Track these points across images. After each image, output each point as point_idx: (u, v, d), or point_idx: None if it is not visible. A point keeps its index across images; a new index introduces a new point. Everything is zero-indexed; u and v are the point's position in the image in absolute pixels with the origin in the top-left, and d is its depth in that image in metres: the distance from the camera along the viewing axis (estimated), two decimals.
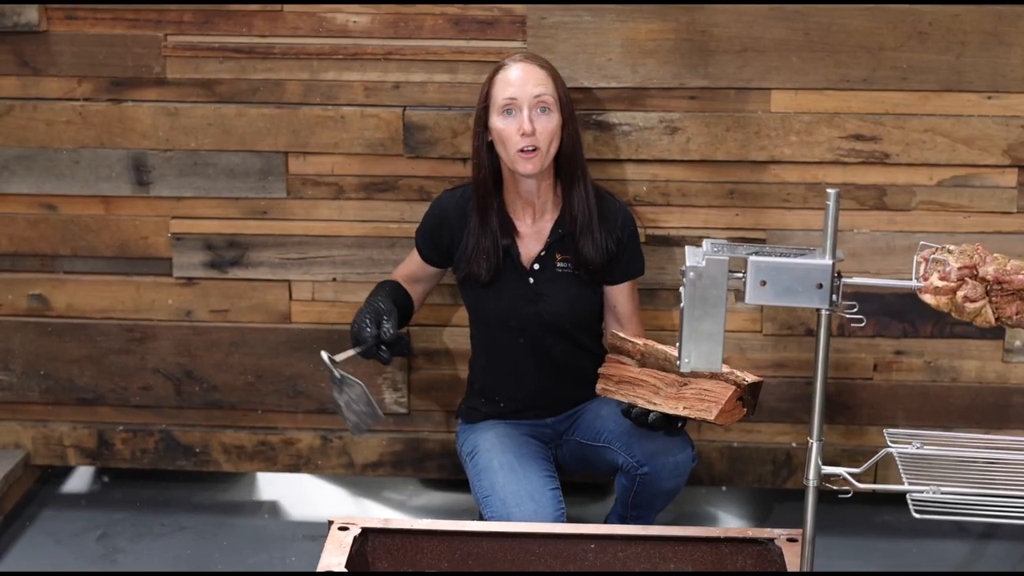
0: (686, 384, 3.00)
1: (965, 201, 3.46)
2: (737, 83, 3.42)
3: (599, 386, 3.17)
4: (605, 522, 3.38)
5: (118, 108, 3.51)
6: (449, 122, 3.47)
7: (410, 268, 3.42)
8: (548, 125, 3.16)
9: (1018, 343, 3.53)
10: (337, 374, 3.09)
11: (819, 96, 3.42)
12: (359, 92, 3.47)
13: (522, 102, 3.15)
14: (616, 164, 3.48)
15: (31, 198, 3.58)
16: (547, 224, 3.29)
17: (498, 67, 3.22)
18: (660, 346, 3.09)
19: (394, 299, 3.28)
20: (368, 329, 3.16)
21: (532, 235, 3.29)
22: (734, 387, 2.97)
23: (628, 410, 3.09)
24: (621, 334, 3.20)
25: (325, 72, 3.47)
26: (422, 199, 3.49)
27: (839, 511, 3.60)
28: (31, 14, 3.43)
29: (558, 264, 3.29)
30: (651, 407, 3.04)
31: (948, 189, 3.46)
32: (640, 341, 3.13)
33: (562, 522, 3.07)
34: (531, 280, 3.29)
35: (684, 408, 3.00)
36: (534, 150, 3.14)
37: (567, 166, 3.24)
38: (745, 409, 3.03)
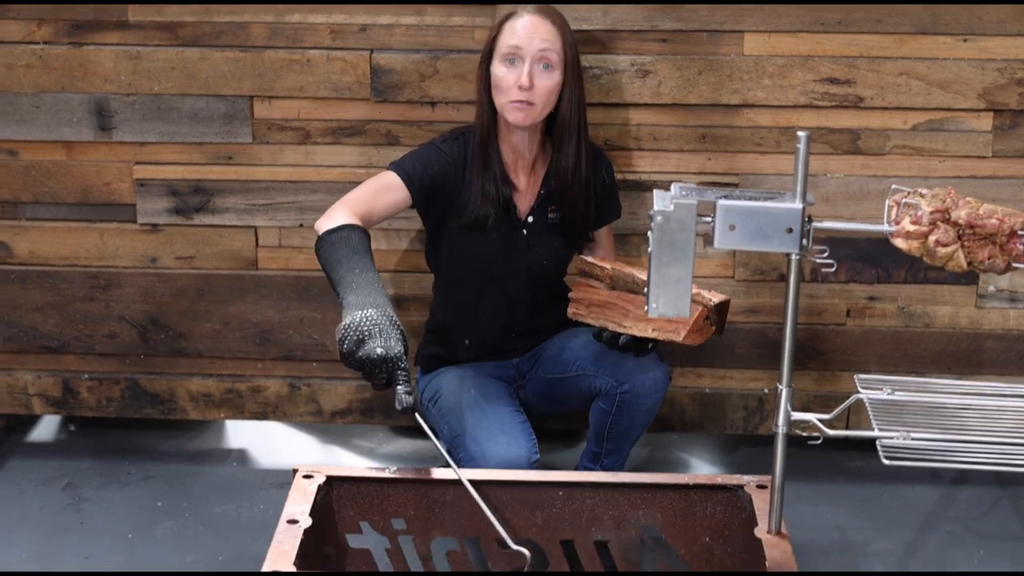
0: None
1: (940, 145, 3.41)
2: (710, 26, 3.36)
3: (570, 310, 3.16)
4: (578, 464, 3.36)
5: (79, 51, 3.43)
6: (417, 65, 3.40)
7: (380, 203, 3.10)
8: (548, 82, 3.09)
9: (992, 288, 3.50)
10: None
11: (793, 39, 3.36)
12: (325, 35, 3.40)
13: (525, 54, 3.08)
14: (587, 108, 3.40)
15: None
16: (539, 177, 3.25)
17: (509, 14, 3.12)
18: (628, 268, 3.08)
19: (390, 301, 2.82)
20: (379, 382, 2.71)
21: (527, 188, 3.24)
22: (701, 307, 2.96)
23: (599, 333, 3.09)
24: (589, 259, 3.17)
25: (290, 15, 3.39)
26: (390, 144, 3.43)
27: (810, 456, 3.58)
28: None
29: (549, 216, 3.25)
30: (621, 330, 3.04)
31: (923, 133, 3.41)
32: (608, 265, 3.11)
33: (535, 454, 3.05)
34: (524, 232, 3.24)
35: (653, 330, 2.99)
36: (528, 104, 3.08)
37: (562, 126, 3.16)
38: (713, 328, 3.03)
